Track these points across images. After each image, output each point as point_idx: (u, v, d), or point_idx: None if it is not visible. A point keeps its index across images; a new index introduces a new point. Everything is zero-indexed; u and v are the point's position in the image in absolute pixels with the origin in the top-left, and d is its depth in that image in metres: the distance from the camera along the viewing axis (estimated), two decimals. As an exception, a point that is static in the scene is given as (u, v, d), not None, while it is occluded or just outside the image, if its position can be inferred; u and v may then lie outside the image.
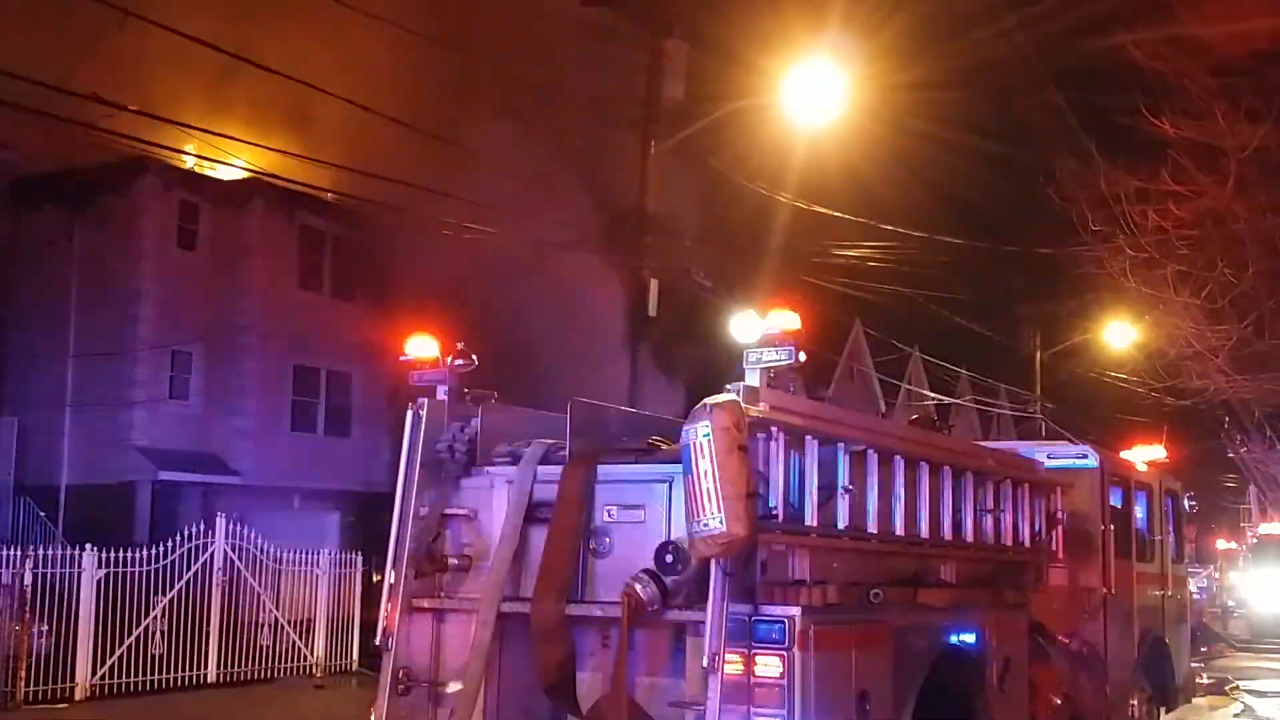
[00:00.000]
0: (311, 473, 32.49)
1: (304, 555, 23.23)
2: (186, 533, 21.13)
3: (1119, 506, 13.73)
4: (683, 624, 7.62)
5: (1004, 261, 32.20)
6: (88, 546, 19.77)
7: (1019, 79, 23.06)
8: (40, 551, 19.49)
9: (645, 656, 7.78)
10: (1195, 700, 17.03)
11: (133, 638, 19.81)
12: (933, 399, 45.62)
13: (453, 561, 8.61)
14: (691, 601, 7.48)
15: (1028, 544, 10.88)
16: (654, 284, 21.47)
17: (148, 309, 30.12)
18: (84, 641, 19.23)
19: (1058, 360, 43.61)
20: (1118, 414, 35.71)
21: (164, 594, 20.45)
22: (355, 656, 23.25)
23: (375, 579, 22.31)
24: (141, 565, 20.19)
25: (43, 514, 28.96)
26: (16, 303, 31.47)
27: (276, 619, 22.38)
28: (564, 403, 8.54)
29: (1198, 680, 17.87)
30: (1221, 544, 51.17)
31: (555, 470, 8.31)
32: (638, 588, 7.48)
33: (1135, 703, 13.58)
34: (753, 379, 7.74)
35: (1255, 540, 43.77)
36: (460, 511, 8.71)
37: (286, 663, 22.40)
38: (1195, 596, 22.70)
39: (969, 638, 9.75)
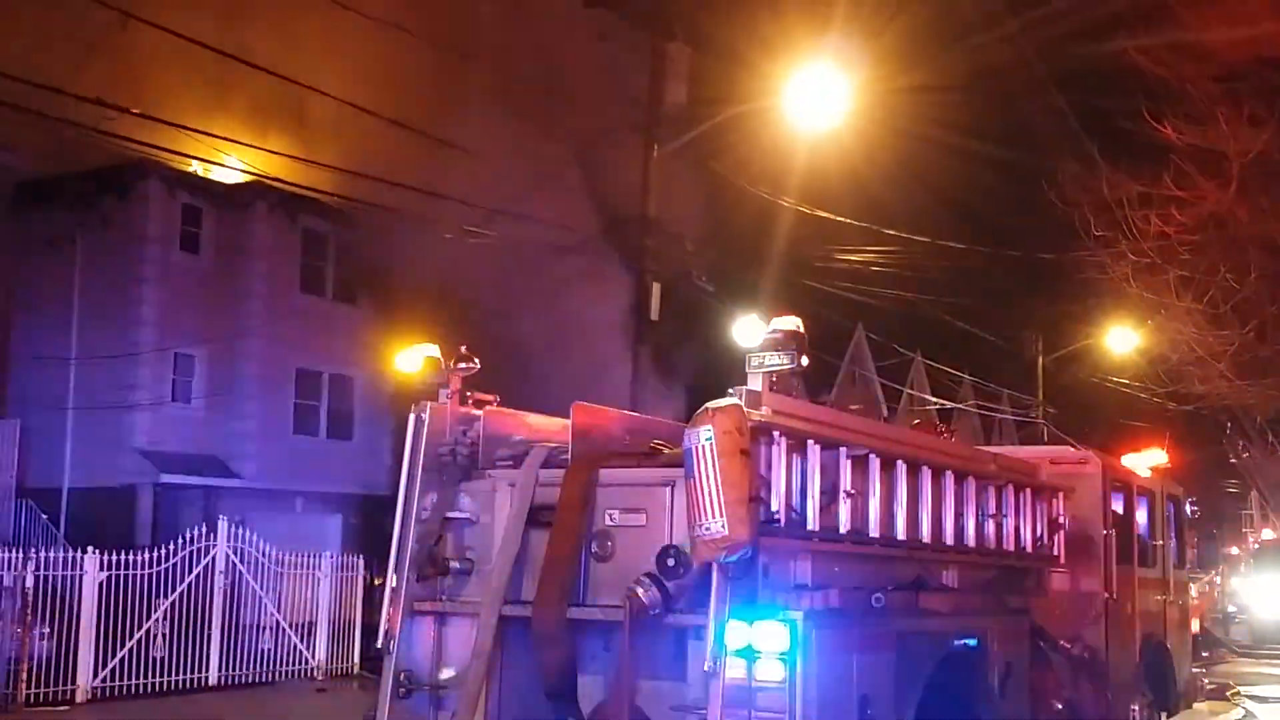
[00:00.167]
0: (313, 476, 32.49)
1: (305, 558, 23.22)
2: (188, 535, 21.12)
3: (1121, 512, 13.72)
4: (685, 628, 7.62)
5: (1006, 266, 32.23)
6: (89, 549, 19.76)
7: (1022, 83, 23.11)
8: (42, 554, 19.49)
9: (647, 660, 7.77)
10: (1196, 705, 16.99)
11: (134, 640, 19.80)
12: (935, 404, 45.63)
13: (454, 565, 8.62)
14: (693, 606, 7.48)
15: (1029, 549, 10.87)
16: (656, 287, 21.48)
17: (150, 312, 30.12)
18: (85, 644, 19.22)
19: (1060, 365, 43.59)
20: (1120, 419, 35.69)
21: (166, 597, 20.44)
22: (356, 659, 23.24)
23: (377, 582, 22.31)
24: (143, 568, 20.18)
25: (44, 516, 28.95)
26: (19, 305, 31.49)
27: (278, 622, 22.37)
28: (566, 406, 8.54)
29: (1199, 685, 17.82)
30: (1225, 550, 51.11)
31: (557, 474, 8.31)
32: (640, 591, 7.48)
33: (1136, 708, 13.56)
34: (755, 383, 7.74)
35: (1257, 546, 43.73)
36: (462, 515, 8.72)
37: (288, 665, 22.39)
38: (1196, 603, 22.65)
39: (971, 642, 9.74)
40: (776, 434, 7.64)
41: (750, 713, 7.25)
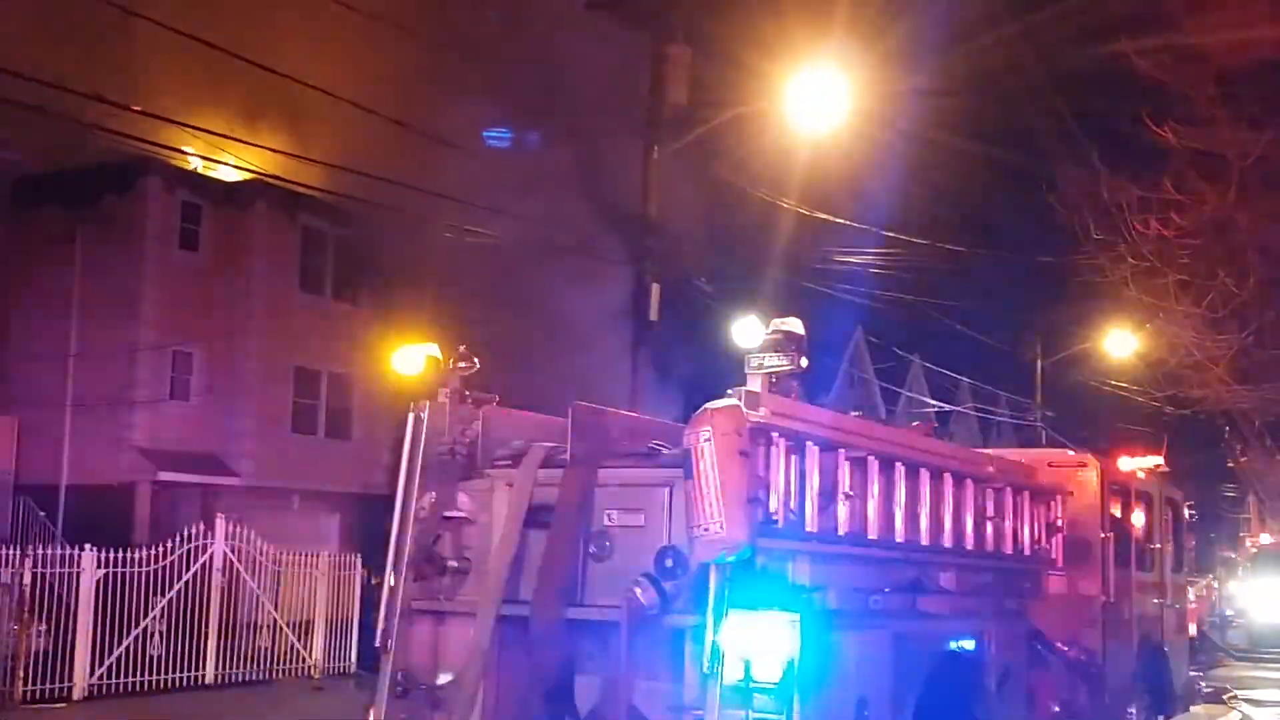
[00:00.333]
0: (311, 474, 32.47)
1: (303, 557, 23.22)
2: (186, 533, 21.11)
3: (1118, 515, 13.73)
4: (682, 628, 7.62)
5: (1005, 269, 32.24)
6: (87, 546, 19.75)
7: (1021, 87, 23.07)
8: (39, 551, 19.48)
9: (644, 661, 7.77)
10: (1193, 709, 17.01)
11: (131, 638, 19.80)
12: (933, 406, 45.67)
13: (452, 564, 8.62)
14: (691, 606, 7.49)
15: (1027, 551, 10.88)
16: (655, 288, 21.47)
17: (149, 309, 30.11)
18: (82, 641, 19.21)
19: (1058, 368, 43.62)
20: (1118, 422, 35.68)
21: (163, 594, 20.44)
22: (354, 658, 23.23)
23: (374, 581, 22.30)
24: (140, 565, 20.17)
25: (42, 514, 28.95)
26: (18, 302, 31.47)
27: (275, 620, 22.37)
28: (565, 406, 8.54)
29: (1196, 689, 17.84)
30: (1223, 553, 51.16)
31: (556, 474, 8.31)
32: (638, 592, 7.48)
33: (1133, 711, 13.57)
34: (754, 384, 7.75)
35: (1255, 550, 43.75)
36: (460, 514, 8.72)
37: (285, 664, 22.39)
38: (1194, 606, 22.66)
39: (968, 645, 9.75)
40: (775, 435, 7.65)
41: (747, 714, 7.25)
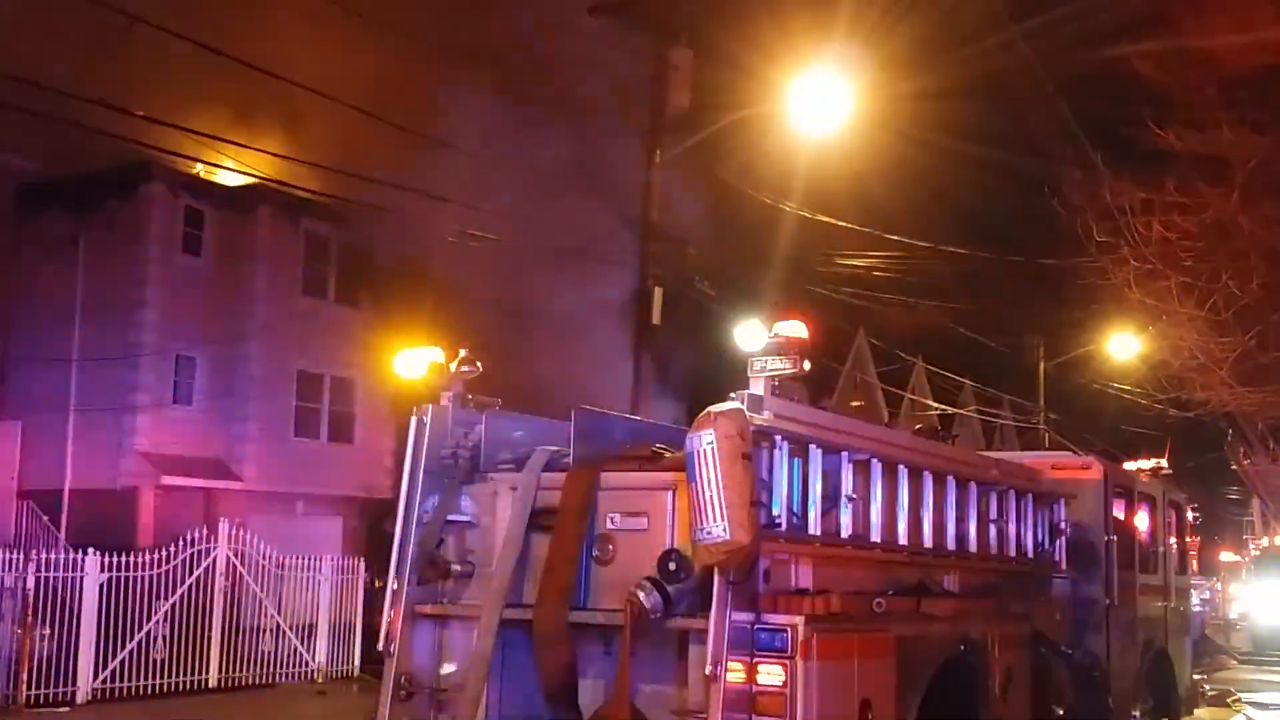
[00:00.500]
0: (314, 478, 32.49)
1: (306, 561, 23.22)
2: (189, 537, 21.12)
3: (1122, 518, 13.72)
4: (685, 632, 7.62)
5: (1008, 272, 32.20)
6: (90, 551, 19.77)
7: (1024, 89, 23.06)
8: (43, 555, 19.51)
9: (648, 664, 7.77)
10: (1197, 712, 16.99)
11: (135, 642, 19.81)
12: (936, 409, 45.63)
13: (455, 568, 8.62)
14: (694, 609, 7.49)
15: (1031, 554, 10.88)
16: (658, 292, 21.47)
17: (152, 314, 30.13)
18: (86, 645, 19.22)
19: (1061, 371, 43.58)
20: (1121, 425, 35.74)
21: (166, 598, 20.44)
22: (357, 662, 23.23)
23: (377, 585, 22.30)
24: (144, 570, 20.19)
25: (45, 518, 28.96)
26: (21, 307, 31.49)
27: (278, 624, 22.37)
28: (568, 410, 8.54)
29: (1200, 692, 17.83)
30: (1226, 556, 51.10)
31: (559, 477, 8.32)
32: (640, 595, 7.48)
33: (1137, 714, 13.56)
34: (757, 388, 7.75)
35: (1258, 553, 43.72)
36: (463, 518, 8.73)
37: (288, 668, 22.39)
38: (1198, 609, 22.64)
39: (972, 648, 9.74)
40: (778, 438, 7.65)
41: (750, 716, 7.25)
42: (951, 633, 9.44)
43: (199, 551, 21.12)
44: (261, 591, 22.17)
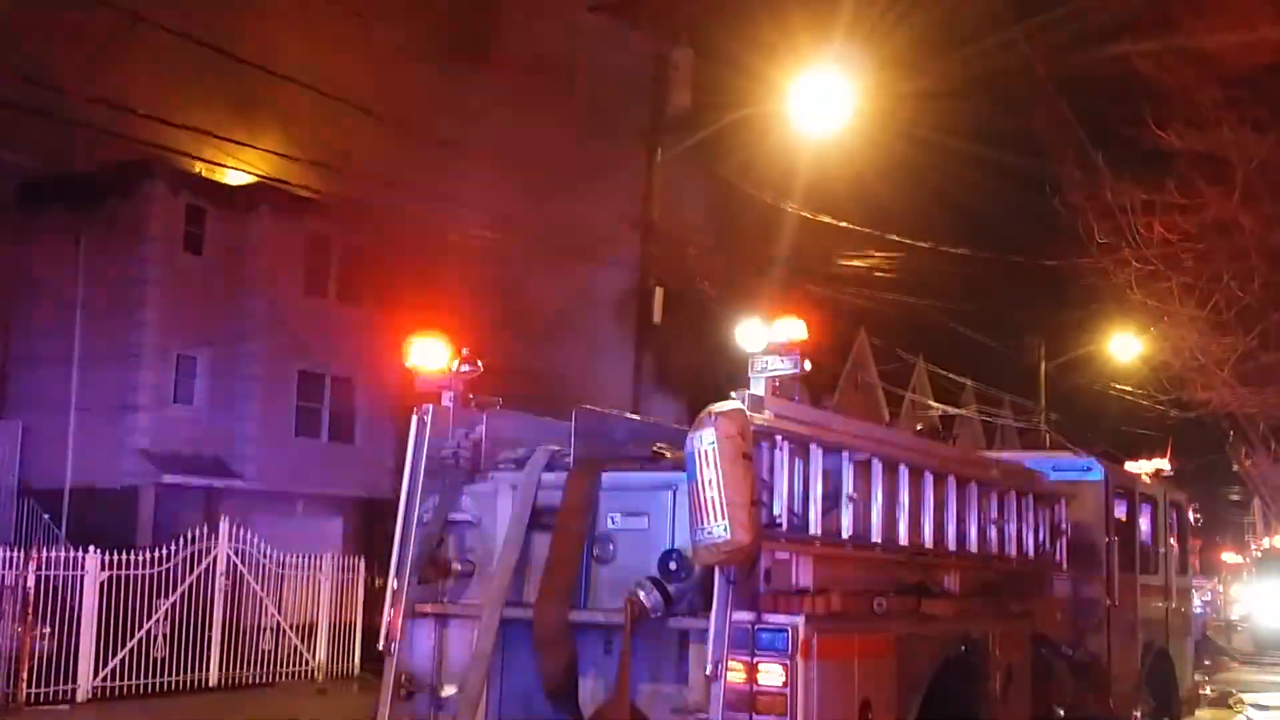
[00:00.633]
0: (315, 477, 32.47)
1: (307, 560, 23.21)
2: (189, 536, 21.11)
3: (1123, 518, 13.72)
4: (686, 631, 7.62)
5: (1009, 272, 32.18)
6: (90, 549, 19.77)
7: (1025, 89, 23.04)
8: (43, 554, 19.49)
9: (648, 663, 7.78)
10: (1198, 713, 16.97)
11: (135, 640, 19.81)
12: (937, 409, 45.62)
13: (456, 567, 8.62)
14: (695, 609, 7.49)
15: (1031, 554, 10.87)
16: (659, 292, 21.47)
17: (153, 313, 30.11)
18: (86, 644, 19.23)
19: (1062, 372, 43.57)
20: (1122, 426, 35.73)
21: (166, 597, 20.44)
22: (357, 661, 23.23)
23: (378, 584, 22.30)
24: (144, 568, 20.18)
25: (46, 516, 28.94)
26: (22, 305, 31.49)
27: (279, 623, 22.36)
28: (569, 409, 8.54)
29: (1201, 693, 17.82)
30: (1228, 557, 51.11)
31: (560, 477, 8.31)
32: (641, 595, 7.48)
33: (1138, 715, 13.56)
34: (758, 387, 7.75)
35: (1260, 554, 43.71)
36: (464, 517, 8.72)
37: (288, 667, 22.39)
38: (1199, 610, 22.62)
39: (973, 648, 9.74)
40: (779, 438, 7.65)
41: (751, 716, 7.25)
42: (952, 633, 9.44)
43: (199, 550, 21.12)
44: (262, 590, 22.16)
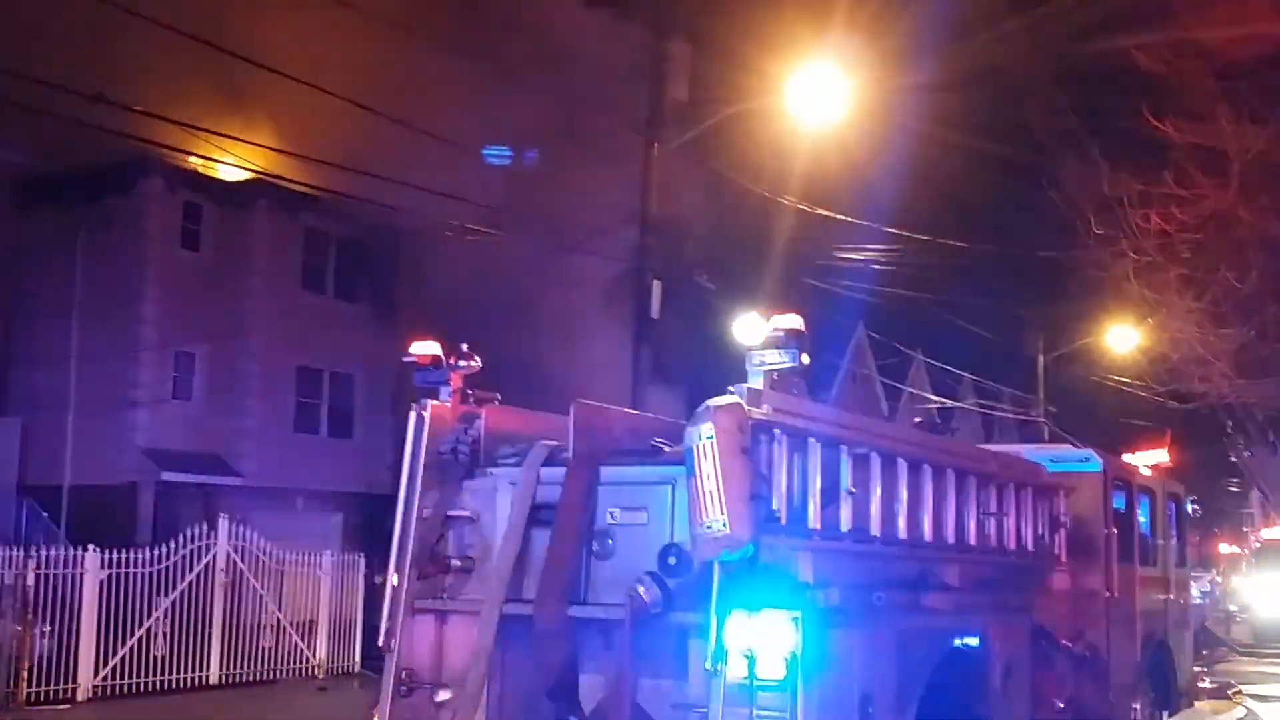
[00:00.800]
0: (314, 474, 32.51)
1: (306, 556, 23.22)
2: (189, 534, 21.12)
3: (1122, 510, 13.73)
4: (686, 626, 7.61)
5: (1007, 264, 32.20)
6: (90, 547, 19.78)
7: (1022, 82, 23.05)
8: (43, 552, 19.50)
9: (648, 659, 7.77)
10: (1197, 704, 16.99)
11: (135, 639, 19.81)
12: (935, 402, 45.65)
13: (455, 563, 8.62)
14: (694, 604, 7.48)
15: (1030, 547, 10.88)
16: (657, 285, 21.45)
17: (151, 309, 30.15)
18: (86, 642, 19.23)
19: (1060, 364, 43.58)
20: (1120, 418, 35.65)
21: (166, 595, 20.45)
22: (357, 658, 23.24)
23: (378, 580, 22.27)
24: (144, 566, 20.19)
25: (45, 514, 28.96)
26: (20, 303, 31.51)
27: (279, 620, 22.37)
28: (567, 404, 8.54)
29: (1200, 684, 17.83)
30: (1224, 548, 51.13)
31: (558, 472, 8.30)
32: (641, 590, 7.48)
33: (1138, 706, 13.57)
34: (756, 381, 7.74)
35: (1258, 545, 43.73)
36: (463, 513, 8.72)
37: (289, 664, 22.40)
38: (1197, 601, 22.64)
39: (972, 641, 9.74)
40: (777, 432, 7.64)
41: (751, 711, 7.25)
42: (952, 626, 9.45)
43: (199, 548, 21.12)
44: (262, 588, 22.17)
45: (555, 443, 8.57)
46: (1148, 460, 15.07)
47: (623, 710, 7.62)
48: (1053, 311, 38.13)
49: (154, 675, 20.12)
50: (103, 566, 19.60)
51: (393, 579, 8.61)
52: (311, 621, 23.04)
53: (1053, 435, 39.77)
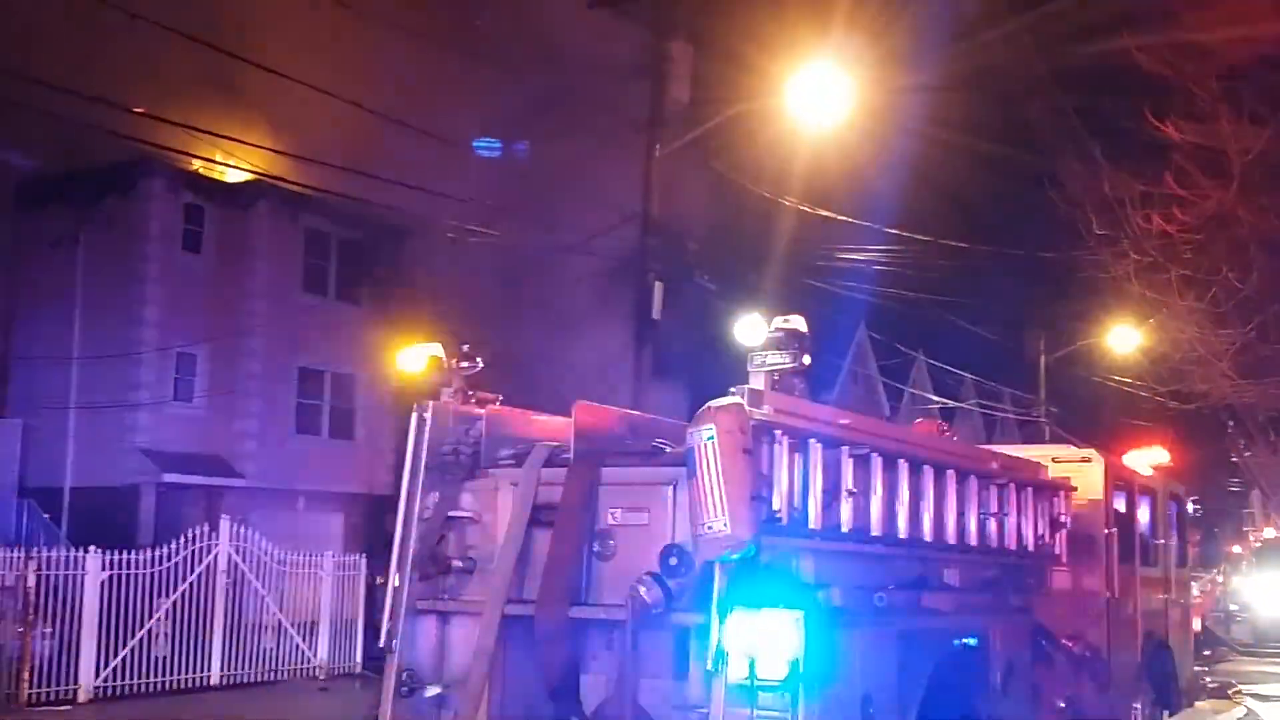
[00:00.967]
0: (315, 475, 32.51)
1: (308, 557, 23.24)
2: (190, 535, 21.14)
3: (1122, 511, 13.73)
4: (687, 627, 7.62)
5: (1008, 265, 32.19)
6: (91, 548, 19.79)
7: (1023, 82, 23.04)
8: (44, 553, 19.52)
9: (649, 659, 7.77)
10: (1198, 704, 16.97)
11: (136, 640, 19.83)
12: (937, 403, 45.65)
13: (457, 564, 8.62)
14: (696, 604, 7.49)
15: (1031, 548, 10.88)
16: (658, 286, 21.46)
17: (152, 311, 30.15)
18: (88, 643, 19.25)
19: (1062, 364, 43.57)
20: (1121, 418, 35.67)
21: (168, 596, 20.47)
22: (359, 659, 23.26)
23: (379, 581, 22.30)
24: (145, 567, 20.20)
25: (46, 516, 28.95)
26: (22, 304, 31.53)
27: (280, 621, 22.39)
28: (568, 405, 8.54)
29: (1201, 684, 17.83)
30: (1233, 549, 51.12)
31: (560, 473, 8.31)
32: (642, 590, 7.48)
33: (1138, 706, 13.57)
34: (757, 382, 7.75)
35: (1259, 545, 43.71)
36: (464, 514, 8.72)
37: (290, 665, 22.42)
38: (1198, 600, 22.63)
39: (972, 641, 9.75)
40: (778, 433, 7.65)
41: (752, 712, 7.25)
42: (952, 626, 9.45)
43: (200, 549, 21.14)
44: (263, 588, 22.19)
45: (556, 443, 8.58)
46: (1149, 460, 15.06)
47: (624, 711, 7.63)
48: (1054, 312, 38.13)
49: (155, 676, 20.15)
50: (104, 567, 19.61)
51: (394, 579, 8.62)
52: (313, 622, 23.06)
53: (1054, 435, 39.77)
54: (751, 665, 7.26)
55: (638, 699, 7.75)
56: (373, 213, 27.44)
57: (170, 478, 29.39)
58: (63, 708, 18.66)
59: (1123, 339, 35.88)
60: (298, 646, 22.61)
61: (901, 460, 8.77)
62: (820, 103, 20.29)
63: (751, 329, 8.12)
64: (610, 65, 24.91)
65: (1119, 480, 13.69)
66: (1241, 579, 41.33)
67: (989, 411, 49.85)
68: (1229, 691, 20.29)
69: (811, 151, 23.39)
